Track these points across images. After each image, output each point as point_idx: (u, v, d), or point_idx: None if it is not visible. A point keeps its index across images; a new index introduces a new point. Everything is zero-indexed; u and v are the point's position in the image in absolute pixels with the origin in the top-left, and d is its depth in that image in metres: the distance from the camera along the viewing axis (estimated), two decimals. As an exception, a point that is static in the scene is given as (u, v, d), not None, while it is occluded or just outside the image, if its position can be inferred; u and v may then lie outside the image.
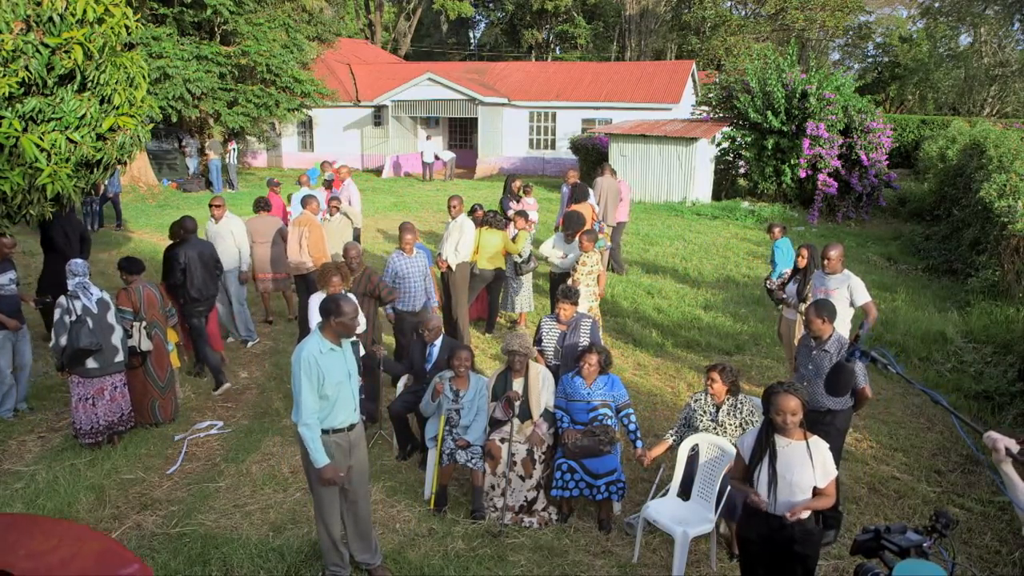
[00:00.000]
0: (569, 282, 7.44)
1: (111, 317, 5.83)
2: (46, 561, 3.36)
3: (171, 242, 7.23)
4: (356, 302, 4.07)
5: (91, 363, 5.72)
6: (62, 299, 5.66)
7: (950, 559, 2.37)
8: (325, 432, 4.03)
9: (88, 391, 5.76)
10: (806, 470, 3.35)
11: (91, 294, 5.74)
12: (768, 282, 9.60)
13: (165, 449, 5.96)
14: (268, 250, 8.76)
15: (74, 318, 5.59)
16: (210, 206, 8.13)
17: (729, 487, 4.43)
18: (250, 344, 8.32)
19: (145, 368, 6.23)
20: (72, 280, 5.75)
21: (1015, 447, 2.40)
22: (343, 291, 5.64)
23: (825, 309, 4.75)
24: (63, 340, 5.58)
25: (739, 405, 4.79)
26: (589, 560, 4.65)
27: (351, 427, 4.15)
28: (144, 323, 6.17)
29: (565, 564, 4.58)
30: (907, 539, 2.39)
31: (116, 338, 5.85)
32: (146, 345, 6.18)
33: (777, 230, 9.40)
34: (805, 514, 3.38)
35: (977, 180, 12.33)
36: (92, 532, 3.83)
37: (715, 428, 4.77)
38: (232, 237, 8.02)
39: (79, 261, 5.89)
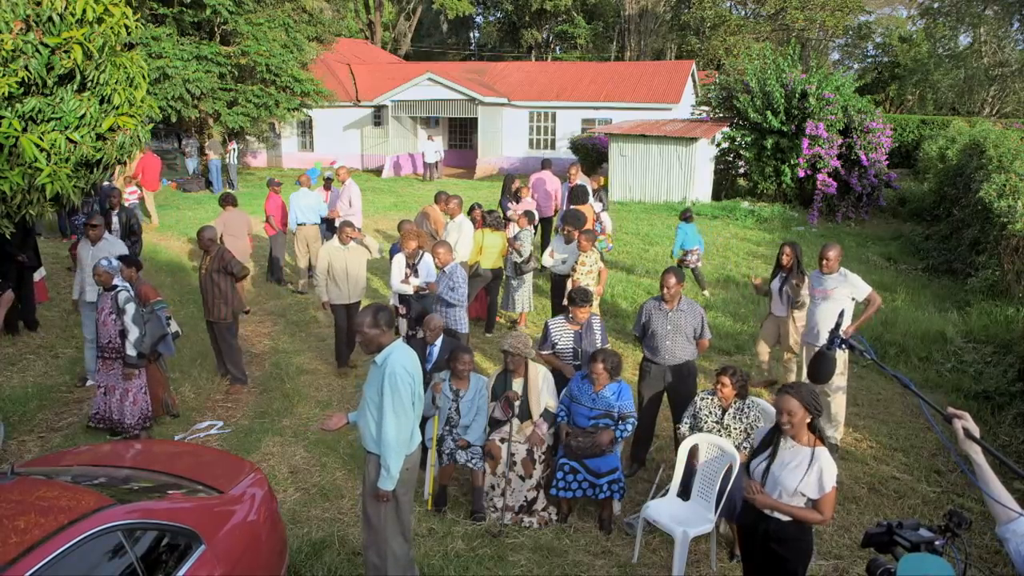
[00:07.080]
0: (570, 283, 7.44)
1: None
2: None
3: None
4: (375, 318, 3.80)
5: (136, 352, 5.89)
6: (128, 294, 5.78)
7: (961, 559, 2.35)
8: None
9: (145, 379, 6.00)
10: (796, 474, 3.33)
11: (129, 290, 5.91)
12: (688, 261, 10.20)
13: (165, 449, 5.96)
14: (240, 243, 9.19)
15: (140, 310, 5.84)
16: (86, 225, 7.07)
17: (730, 486, 4.44)
18: None
19: (159, 359, 6.32)
20: (120, 276, 5.88)
21: (975, 430, 2.39)
22: (419, 254, 6.68)
23: (677, 273, 5.47)
24: (143, 330, 5.77)
25: (746, 409, 4.79)
26: (589, 560, 4.65)
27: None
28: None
29: (565, 564, 4.59)
30: (919, 535, 2.38)
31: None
32: (176, 328, 6.41)
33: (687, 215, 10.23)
34: (781, 515, 3.37)
35: (977, 180, 12.32)
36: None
37: (720, 431, 4.77)
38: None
39: (116, 262, 6.00)
